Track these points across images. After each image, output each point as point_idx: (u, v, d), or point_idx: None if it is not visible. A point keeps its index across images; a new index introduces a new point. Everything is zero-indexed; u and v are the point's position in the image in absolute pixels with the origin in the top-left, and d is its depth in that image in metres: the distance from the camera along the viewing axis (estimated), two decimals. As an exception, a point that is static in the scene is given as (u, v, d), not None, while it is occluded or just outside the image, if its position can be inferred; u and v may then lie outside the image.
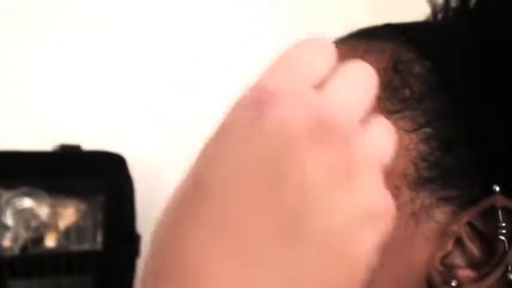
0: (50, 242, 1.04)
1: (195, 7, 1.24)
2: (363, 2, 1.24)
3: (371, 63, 0.40)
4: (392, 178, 0.37)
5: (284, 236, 0.25)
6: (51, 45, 1.15)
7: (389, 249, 0.37)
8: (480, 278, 0.36)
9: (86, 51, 1.17)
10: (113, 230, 1.05)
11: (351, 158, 0.26)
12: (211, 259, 0.25)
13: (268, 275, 0.25)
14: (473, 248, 0.37)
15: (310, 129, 0.26)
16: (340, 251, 0.26)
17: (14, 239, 1.02)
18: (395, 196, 0.37)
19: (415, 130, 0.38)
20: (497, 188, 0.37)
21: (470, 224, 0.37)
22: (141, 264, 1.05)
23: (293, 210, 0.25)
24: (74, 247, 1.04)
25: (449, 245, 0.37)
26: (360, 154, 0.27)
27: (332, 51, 0.30)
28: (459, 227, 0.37)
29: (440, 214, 0.37)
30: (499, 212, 0.36)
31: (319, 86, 0.28)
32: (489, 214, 0.37)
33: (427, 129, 0.38)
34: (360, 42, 0.41)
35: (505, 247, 0.36)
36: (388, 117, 0.38)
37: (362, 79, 0.30)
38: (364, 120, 0.29)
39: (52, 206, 1.04)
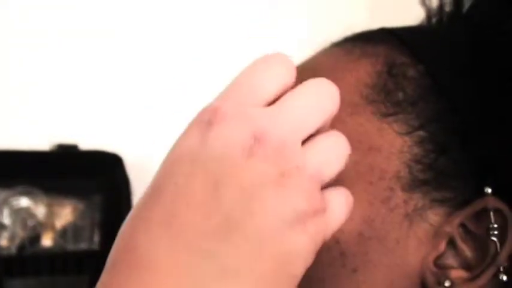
0: (47, 241, 1.04)
1: (194, 7, 1.24)
2: (363, 2, 1.24)
3: (366, 67, 0.40)
4: (386, 180, 0.38)
5: (223, 233, 0.30)
6: (48, 45, 1.15)
7: (383, 250, 0.37)
8: (472, 279, 0.37)
9: (82, 51, 1.17)
10: (110, 230, 1.05)
11: (283, 169, 0.31)
12: (161, 252, 0.30)
13: (210, 265, 0.29)
14: (466, 249, 0.37)
15: (245, 146, 0.30)
16: (272, 248, 0.30)
17: (11, 239, 1.02)
18: (389, 198, 0.37)
19: (408, 133, 0.38)
20: (489, 190, 0.37)
21: (463, 225, 0.38)
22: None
23: (231, 212, 0.30)
24: (71, 247, 1.04)
25: (443, 246, 0.37)
26: (291, 165, 0.31)
27: (290, 67, 0.33)
28: (452, 228, 0.37)
29: (434, 216, 0.37)
30: (491, 214, 0.37)
31: (273, 102, 0.32)
32: (481, 216, 0.37)
33: (421, 132, 0.38)
34: (355, 46, 0.42)
35: (496, 248, 0.37)
36: (382, 120, 0.38)
37: (316, 97, 0.33)
38: (314, 135, 0.33)
39: (49, 206, 1.04)
